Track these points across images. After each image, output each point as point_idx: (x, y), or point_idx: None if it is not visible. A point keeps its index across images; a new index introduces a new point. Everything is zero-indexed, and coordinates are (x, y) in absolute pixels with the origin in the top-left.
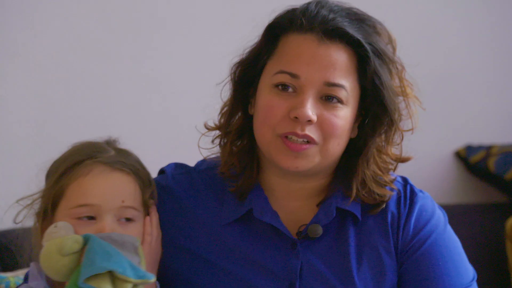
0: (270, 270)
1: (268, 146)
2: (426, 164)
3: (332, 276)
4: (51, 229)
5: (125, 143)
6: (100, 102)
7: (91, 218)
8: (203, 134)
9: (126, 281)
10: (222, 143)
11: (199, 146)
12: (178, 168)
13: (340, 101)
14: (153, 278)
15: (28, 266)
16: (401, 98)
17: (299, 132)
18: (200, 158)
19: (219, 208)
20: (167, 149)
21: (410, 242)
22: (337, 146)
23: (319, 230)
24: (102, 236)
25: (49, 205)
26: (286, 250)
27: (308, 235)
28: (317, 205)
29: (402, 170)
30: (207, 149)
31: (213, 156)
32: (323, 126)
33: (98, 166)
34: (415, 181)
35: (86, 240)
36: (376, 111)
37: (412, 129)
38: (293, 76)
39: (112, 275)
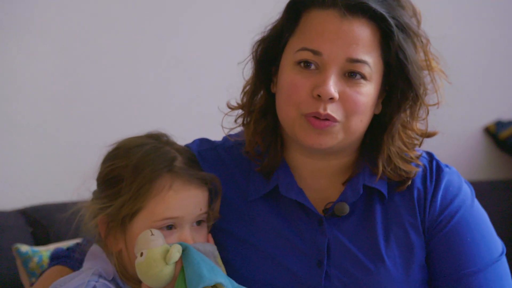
0: (298, 247)
1: (291, 124)
2: (454, 140)
3: (361, 254)
4: (148, 236)
5: (150, 122)
6: (125, 80)
7: (170, 226)
8: (226, 114)
9: None
10: (245, 122)
11: (222, 126)
12: (204, 144)
13: (363, 77)
14: None
15: (58, 240)
16: (426, 72)
17: (322, 112)
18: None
19: (245, 185)
20: (191, 128)
21: (437, 219)
22: (360, 123)
23: (346, 208)
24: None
25: (129, 215)
26: (313, 227)
27: (334, 213)
28: (343, 184)
29: (430, 147)
30: (230, 128)
31: (238, 132)
32: (346, 103)
33: (177, 180)
34: (443, 158)
35: (184, 248)
36: (401, 86)
37: (437, 103)
38: (316, 53)
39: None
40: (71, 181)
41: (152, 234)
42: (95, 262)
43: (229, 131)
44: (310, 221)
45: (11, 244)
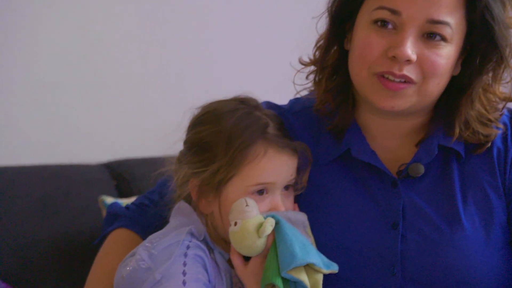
0: (372, 210)
1: (363, 84)
2: None
3: (437, 216)
4: (243, 207)
5: (217, 80)
6: (203, 42)
7: (261, 192)
8: (298, 71)
9: (319, 272)
10: (316, 79)
11: (294, 83)
12: (272, 108)
13: (443, 38)
14: (337, 268)
15: (140, 193)
16: None
17: (397, 72)
18: (293, 95)
19: (316, 149)
20: (262, 85)
21: None
22: (437, 85)
23: (421, 169)
24: (282, 215)
25: (224, 180)
26: (387, 190)
27: (409, 174)
28: (416, 145)
29: None
30: (302, 85)
31: (306, 94)
32: (424, 65)
33: (271, 147)
34: None
35: (276, 221)
36: (484, 48)
37: None
38: (394, 12)
39: (306, 265)
40: (153, 137)
41: (247, 205)
42: (185, 220)
43: (302, 89)
44: (384, 183)
45: (97, 196)
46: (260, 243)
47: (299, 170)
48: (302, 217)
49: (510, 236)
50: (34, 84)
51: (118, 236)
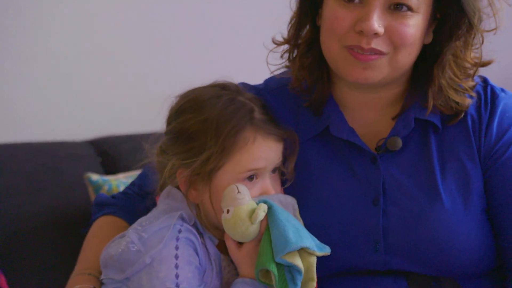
0: (353, 187)
1: (335, 58)
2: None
3: (416, 189)
4: (234, 194)
5: (193, 59)
6: (189, 15)
7: (251, 177)
8: (271, 50)
9: (313, 255)
10: (291, 57)
11: (267, 62)
12: (248, 89)
13: (410, 8)
14: (329, 251)
15: (126, 170)
16: None
17: (365, 46)
18: (267, 75)
19: (295, 127)
20: (236, 66)
21: (494, 146)
22: (408, 55)
23: (399, 142)
24: (273, 198)
25: (215, 168)
26: (367, 165)
27: (387, 148)
28: (393, 118)
29: (485, 72)
30: (276, 65)
31: (280, 72)
32: (392, 36)
33: (259, 132)
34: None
35: (269, 206)
36: (453, 15)
37: (495, 29)
38: None
39: (300, 248)
40: (137, 113)
41: (239, 192)
42: (175, 204)
43: (276, 69)
44: (363, 159)
45: (83, 173)
46: (253, 229)
47: (285, 157)
48: (291, 200)
49: (486, 204)
50: (17, 61)
51: (104, 221)
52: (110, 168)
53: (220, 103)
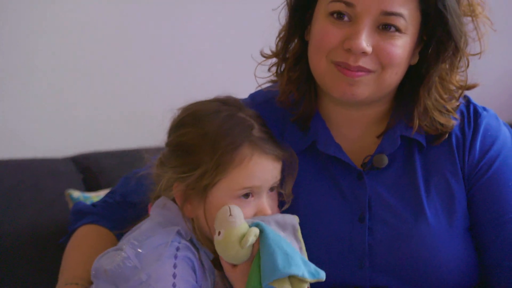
0: (339, 203)
1: (322, 74)
2: (495, 90)
3: (402, 207)
4: (226, 216)
5: (185, 69)
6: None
7: (247, 195)
8: (259, 63)
9: (304, 282)
10: (279, 71)
11: (255, 75)
12: None
13: (398, 29)
14: (324, 276)
15: (107, 187)
16: (469, 18)
17: (352, 63)
18: (254, 88)
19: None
20: (224, 78)
21: (477, 165)
22: (395, 75)
23: (385, 160)
24: (269, 219)
25: (210, 184)
26: (353, 182)
27: (373, 166)
28: (378, 137)
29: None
30: (264, 78)
31: (267, 85)
32: (380, 56)
33: (256, 150)
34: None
35: (260, 230)
36: (440, 37)
37: (480, 53)
38: (348, 4)
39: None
40: (119, 129)
41: (231, 214)
42: (171, 215)
43: (264, 82)
44: (349, 176)
45: (64, 190)
46: (243, 253)
47: (283, 177)
48: (292, 220)
49: (469, 223)
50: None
51: (87, 230)
52: (92, 184)
53: (219, 119)
